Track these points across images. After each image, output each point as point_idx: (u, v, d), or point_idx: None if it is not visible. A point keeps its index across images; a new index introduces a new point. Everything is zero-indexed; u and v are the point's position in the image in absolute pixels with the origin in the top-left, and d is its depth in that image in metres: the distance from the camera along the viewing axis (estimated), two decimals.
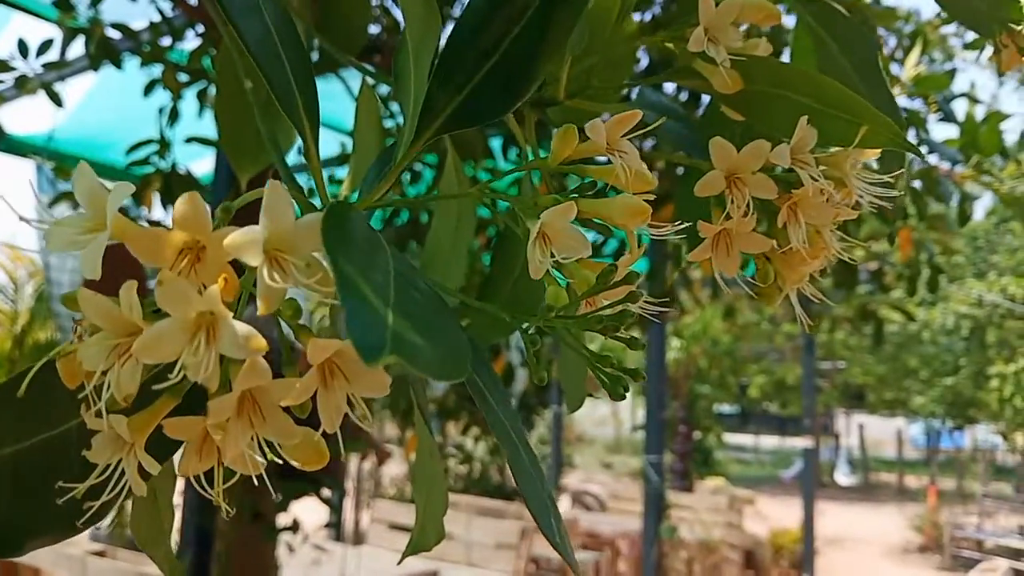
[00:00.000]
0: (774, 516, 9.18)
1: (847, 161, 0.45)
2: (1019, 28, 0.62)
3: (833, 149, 0.47)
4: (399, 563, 0.56)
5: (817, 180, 0.44)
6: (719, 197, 0.45)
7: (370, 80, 0.82)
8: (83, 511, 0.37)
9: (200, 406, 0.34)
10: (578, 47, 0.56)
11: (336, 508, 5.50)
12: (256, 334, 0.31)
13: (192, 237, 0.32)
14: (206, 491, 0.35)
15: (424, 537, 0.54)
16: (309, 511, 2.52)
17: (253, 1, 0.43)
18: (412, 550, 0.55)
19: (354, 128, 0.80)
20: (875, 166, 0.48)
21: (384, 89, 1.77)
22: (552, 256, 0.40)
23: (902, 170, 0.56)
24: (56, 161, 3.20)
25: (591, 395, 0.67)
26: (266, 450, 0.34)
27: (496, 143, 1.94)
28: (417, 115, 0.44)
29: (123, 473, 0.34)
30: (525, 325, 0.42)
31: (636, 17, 0.62)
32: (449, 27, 0.43)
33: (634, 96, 0.65)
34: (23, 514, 0.38)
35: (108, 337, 0.32)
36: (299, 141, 0.45)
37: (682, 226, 0.43)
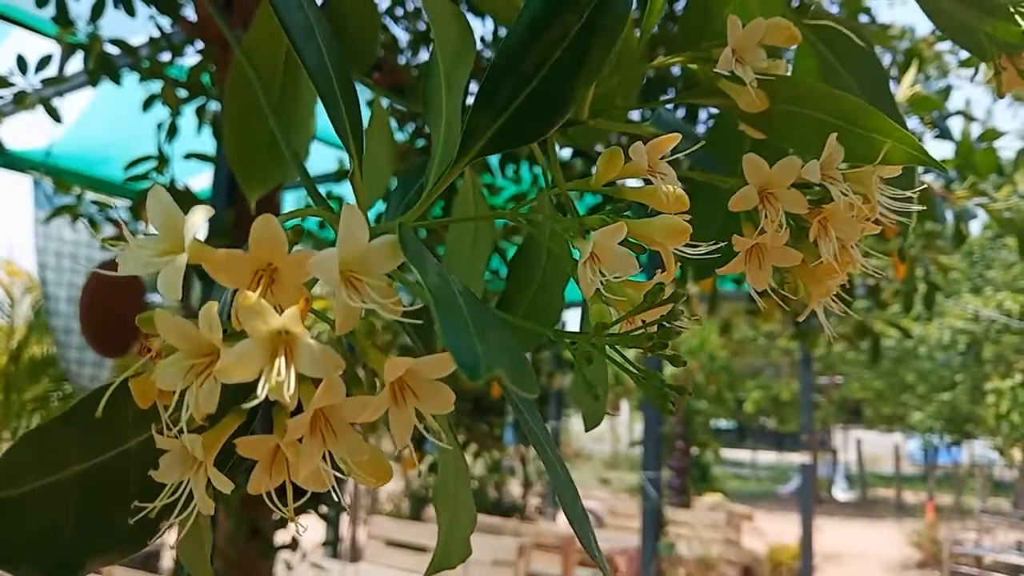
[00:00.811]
0: (772, 532, 9.15)
1: (871, 177, 0.47)
2: (1018, 51, 0.62)
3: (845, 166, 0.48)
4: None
5: (847, 195, 0.45)
6: (750, 212, 0.46)
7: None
8: (142, 530, 0.37)
9: (248, 425, 0.36)
10: (605, 70, 0.56)
11: (333, 525, 5.47)
12: (333, 353, 0.32)
13: (267, 259, 0.33)
14: (278, 508, 0.35)
15: (446, 555, 0.54)
16: (306, 528, 2.50)
17: (309, 25, 0.45)
18: (435, 569, 0.54)
19: (366, 145, 0.80)
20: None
21: (383, 103, 1.77)
22: (602, 275, 0.41)
23: (924, 186, 0.56)
24: (54, 176, 3.20)
25: (608, 413, 0.67)
26: (339, 465, 0.34)
27: (494, 159, 1.94)
28: (451, 137, 0.45)
29: (189, 492, 0.35)
30: (573, 343, 0.42)
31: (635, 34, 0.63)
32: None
33: (633, 116, 0.66)
34: (87, 534, 0.38)
35: (184, 357, 0.33)
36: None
37: (717, 245, 0.44)
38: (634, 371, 0.42)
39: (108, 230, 2.59)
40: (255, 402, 0.32)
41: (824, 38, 0.67)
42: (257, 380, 0.31)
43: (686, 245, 0.44)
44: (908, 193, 0.47)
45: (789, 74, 0.55)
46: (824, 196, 0.46)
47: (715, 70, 0.52)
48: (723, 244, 0.45)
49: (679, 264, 0.45)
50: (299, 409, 0.33)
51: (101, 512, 0.38)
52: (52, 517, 0.37)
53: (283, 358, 0.31)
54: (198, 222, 0.34)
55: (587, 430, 0.66)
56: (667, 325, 0.41)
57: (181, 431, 0.34)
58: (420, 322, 0.34)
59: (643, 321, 0.42)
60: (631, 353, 0.43)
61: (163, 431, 0.35)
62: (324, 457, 0.34)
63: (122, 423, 0.39)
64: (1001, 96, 0.65)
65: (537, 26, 0.44)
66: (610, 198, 0.46)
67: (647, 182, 0.46)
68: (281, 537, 2.23)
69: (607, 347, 0.41)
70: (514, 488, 7.16)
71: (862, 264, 0.47)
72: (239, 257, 0.33)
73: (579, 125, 0.60)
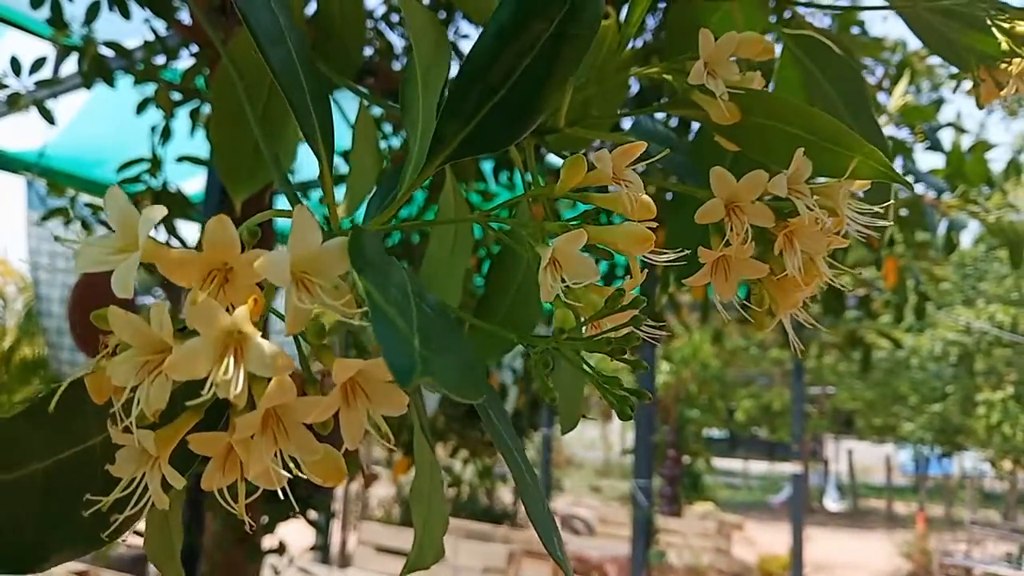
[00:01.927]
0: (763, 541, 9.15)
1: (839, 191, 0.47)
2: (996, 63, 0.63)
3: (822, 180, 0.49)
4: None
5: (812, 209, 0.45)
6: (717, 224, 0.46)
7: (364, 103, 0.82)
8: (105, 526, 0.38)
9: (217, 422, 0.36)
10: (580, 78, 0.57)
11: (323, 530, 5.45)
12: (283, 352, 0.32)
13: (220, 259, 0.34)
14: (229, 505, 0.36)
15: (422, 556, 0.54)
16: (295, 533, 2.50)
17: (279, 29, 0.45)
18: (409, 569, 0.55)
19: (352, 150, 0.80)
20: (861, 196, 0.49)
21: (376, 111, 1.78)
22: (562, 281, 0.41)
23: (890, 202, 0.57)
24: (47, 178, 3.20)
25: (584, 416, 0.68)
26: (290, 465, 0.35)
27: (487, 166, 1.95)
28: (426, 143, 0.46)
29: (145, 488, 0.35)
30: (535, 347, 0.43)
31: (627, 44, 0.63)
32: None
33: (625, 124, 0.66)
34: (49, 528, 0.38)
35: (137, 354, 0.33)
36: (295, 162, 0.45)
37: (683, 253, 0.44)
38: (592, 375, 0.42)
39: (101, 232, 2.58)
40: (201, 400, 0.32)
41: (806, 49, 0.68)
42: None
43: (657, 253, 0.44)
44: (876, 208, 0.48)
45: (762, 88, 0.55)
46: (794, 209, 0.46)
47: (688, 82, 0.52)
48: (700, 245, 0.46)
49: (664, 271, 0.45)
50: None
51: (64, 508, 0.38)
52: (14, 513, 0.38)
53: (232, 357, 0.32)
54: (152, 220, 0.34)
55: (563, 433, 0.67)
56: (631, 331, 0.41)
57: (134, 427, 0.34)
58: (365, 324, 0.34)
59: (608, 327, 0.42)
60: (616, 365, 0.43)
61: (128, 429, 0.35)
62: (276, 456, 0.34)
63: (84, 420, 0.39)
64: (981, 107, 0.66)
65: (506, 33, 0.44)
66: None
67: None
68: (269, 542, 2.22)
69: (573, 352, 0.42)
70: (505, 495, 7.15)
71: (828, 278, 0.48)
72: (191, 257, 0.34)
73: (556, 133, 0.60)
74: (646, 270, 0.45)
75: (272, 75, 0.43)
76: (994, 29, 0.60)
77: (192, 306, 0.32)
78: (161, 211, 0.34)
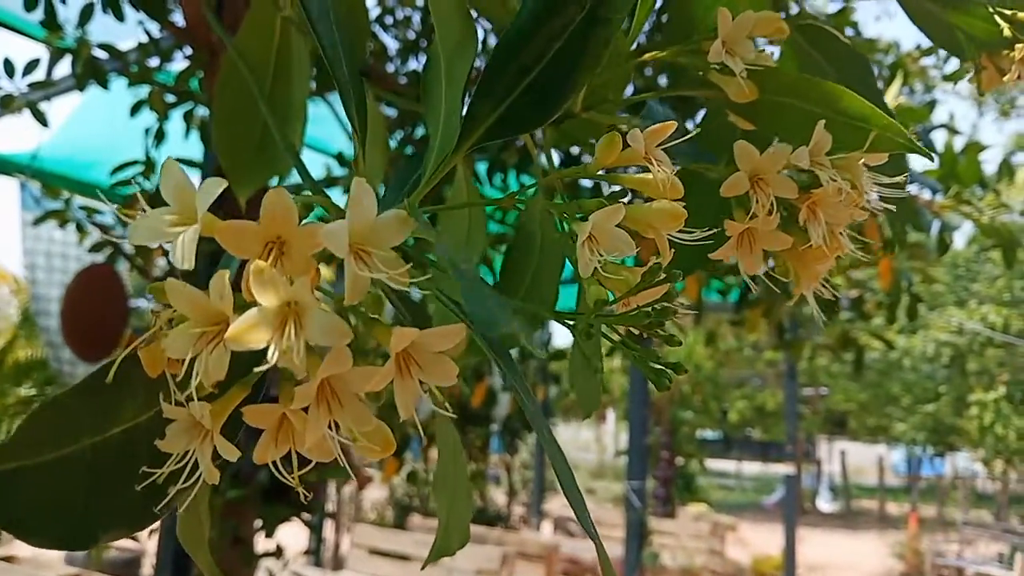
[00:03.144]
0: (756, 542, 9.16)
1: (857, 164, 0.48)
2: (997, 50, 0.63)
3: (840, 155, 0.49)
4: (422, 569, 0.56)
5: (836, 181, 0.46)
6: (740, 198, 0.47)
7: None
8: (151, 504, 0.38)
9: (253, 399, 0.37)
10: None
11: (316, 532, 5.44)
12: (341, 322, 0.32)
13: (278, 230, 0.34)
14: (283, 477, 0.36)
15: (447, 541, 0.54)
16: (288, 536, 2.49)
17: (325, 8, 0.46)
18: (435, 555, 0.54)
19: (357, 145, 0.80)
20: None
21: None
22: (599, 256, 0.42)
23: (912, 190, 0.58)
24: (40, 180, 3.19)
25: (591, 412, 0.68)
26: (346, 435, 0.35)
27: (481, 167, 1.95)
28: (450, 127, 0.46)
29: (194, 464, 0.36)
30: (571, 323, 0.43)
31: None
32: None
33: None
34: (97, 506, 0.39)
35: (194, 326, 0.34)
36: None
37: (711, 231, 0.45)
38: (631, 349, 0.43)
39: (96, 234, 2.58)
40: (265, 367, 0.32)
41: (809, 37, 0.68)
42: (263, 351, 0.32)
43: (679, 232, 0.45)
44: (896, 179, 0.49)
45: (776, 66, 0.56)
46: (811, 183, 0.47)
47: (709, 60, 0.53)
48: (715, 232, 0.46)
49: (671, 272, 0.45)
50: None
51: (111, 486, 0.39)
52: (64, 489, 0.38)
53: (292, 327, 0.32)
54: (211, 194, 0.34)
55: (584, 417, 0.67)
56: (663, 306, 0.42)
57: (189, 400, 0.34)
58: (426, 292, 0.35)
59: (637, 305, 0.43)
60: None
61: (171, 401, 0.36)
62: (329, 427, 0.35)
63: (132, 397, 0.39)
64: (982, 94, 0.66)
65: (540, 16, 0.45)
66: (595, 196, 0.47)
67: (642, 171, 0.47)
68: (263, 545, 2.21)
69: (604, 327, 0.42)
70: (498, 497, 7.15)
71: (850, 249, 0.48)
72: (250, 228, 0.34)
73: (572, 118, 0.62)
74: (673, 250, 0.46)
75: (321, 53, 0.44)
76: (996, 16, 0.61)
77: (255, 276, 0.32)
78: (221, 184, 0.35)
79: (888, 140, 0.49)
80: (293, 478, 0.36)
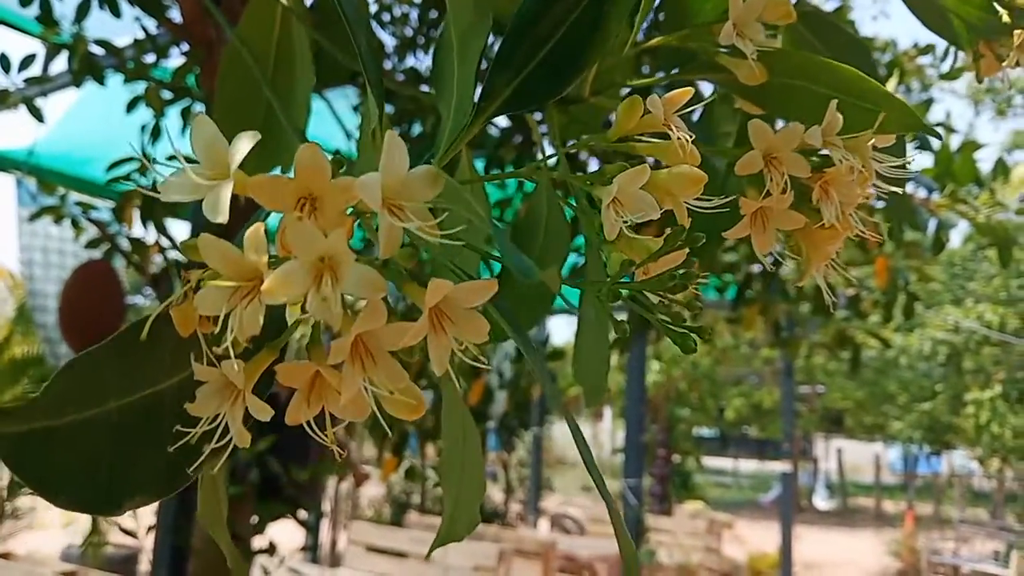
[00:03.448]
0: (753, 540, 9.17)
1: (866, 145, 0.48)
2: (996, 37, 0.62)
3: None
4: (427, 557, 0.55)
5: (847, 160, 0.47)
6: (753, 177, 0.48)
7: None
8: (174, 473, 0.38)
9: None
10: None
11: (313, 530, 5.44)
12: (377, 275, 0.32)
13: (310, 185, 0.34)
14: (317, 435, 0.36)
15: (455, 526, 0.54)
16: (285, 533, 2.49)
17: (362, 15, 0.46)
18: (442, 540, 0.54)
19: (359, 138, 0.80)
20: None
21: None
22: (623, 219, 0.43)
23: (909, 188, 0.58)
24: (36, 176, 3.18)
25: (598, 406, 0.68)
26: (381, 391, 0.35)
27: (479, 164, 1.95)
28: (463, 104, 0.47)
29: (223, 429, 0.36)
30: (594, 289, 0.44)
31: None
32: None
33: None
34: (123, 470, 0.38)
35: (227, 281, 0.33)
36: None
37: (728, 199, 0.45)
38: (655, 314, 0.43)
39: (92, 230, 2.57)
40: (305, 316, 0.32)
41: (811, 27, 0.68)
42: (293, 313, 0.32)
43: (696, 201, 0.45)
44: (902, 160, 0.49)
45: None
46: (822, 164, 0.48)
47: (720, 42, 0.54)
48: (729, 203, 0.46)
49: (693, 236, 0.45)
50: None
51: (137, 450, 0.38)
52: (90, 451, 0.37)
53: (329, 279, 0.32)
54: (244, 149, 0.34)
55: (588, 406, 0.66)
56: (686, 271, 0.42)
57: (220, 360, 0.34)
58: (458, 243, 0.35)
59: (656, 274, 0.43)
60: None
61: (202, 361, 0.36)
62: (363, 386, 0.34)
63: (159, 360, 0.39)
64: (980, 81, 0.66)
65: None
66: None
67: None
68: (258, 542, 2.21)
69: (637, 292, 0.43)
70: (495, 493, 7.15)
71: (860, 230, 0.49)
72: (284, 181, 0.34)
73: (580, 103, 0.62)
74: (690, 218, 0.46)
75: (357, 52, 0.44)
76: (994, 3, 0.60)
77: (291, 227, 0.32)
78: (255, 137, 0.35)
79: (898, 121, 0.49)
80: (328, 435, 0.36)
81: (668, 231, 0.43)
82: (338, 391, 0.34)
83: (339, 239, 0.32)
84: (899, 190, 0.49)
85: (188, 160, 0.36)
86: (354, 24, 0.44)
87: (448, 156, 0.47)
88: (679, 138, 0.45)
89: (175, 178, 0.35)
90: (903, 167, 0.49)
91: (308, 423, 0.36)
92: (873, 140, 0.48)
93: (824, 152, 0.48)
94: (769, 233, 0.48)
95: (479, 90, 0.46)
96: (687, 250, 0.43)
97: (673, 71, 0.64)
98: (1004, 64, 0.61)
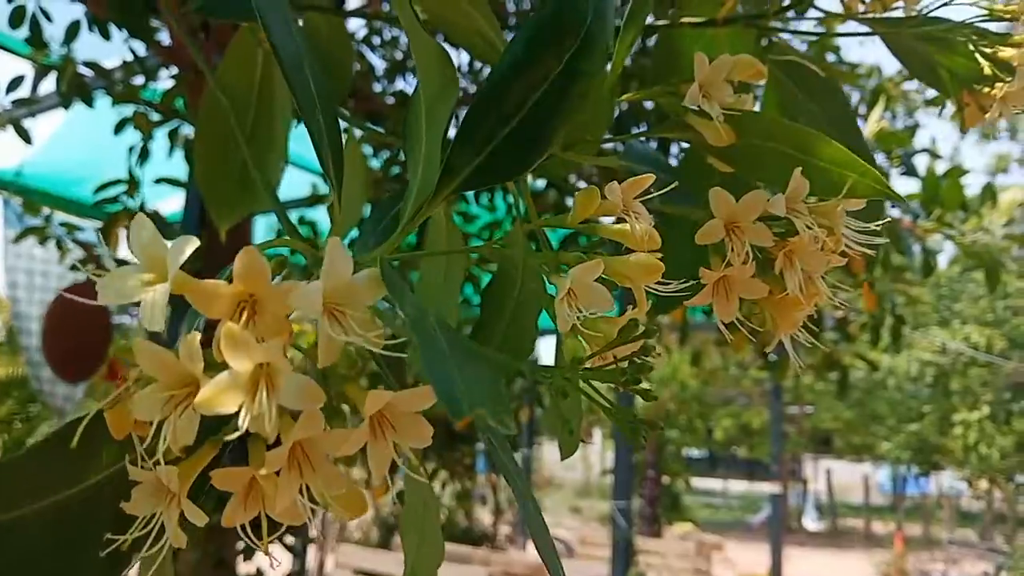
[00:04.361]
0: (743, 562, 9.14)
1: (835, 210, 0.48)
2: (979, 88, 0.63)
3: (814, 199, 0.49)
4: None
5: (811, 228, 0.46)
6: (717, 245, 0.47)
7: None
8: (114, 565, 0.37)
9: (220, 457, 0.36)
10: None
11: (299, 554, 5.39)
12: (315, 385, 0.32)
13: (249, 291, 0.33)
14: (251, 541, 0.35)
15: None
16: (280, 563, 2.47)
17: (300, 56, 0.45)
18: None
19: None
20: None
21: (357, 132, 1.78)
22: (578, 311, 0.42)
23: (888, 219, 0.57)
24: (24, 196, 3.17)
25: (582, 441, 0.68)
26: (316, 499, 0.34)
27: None
28: (430, 172, 0.46)
29: (161, 527, 0.35)
30: (548, 378, 0.43)
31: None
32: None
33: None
34: (61, 566, 0.37)
35: (163, 388, 0.33)
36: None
37: (687, 283, 0.45)
38: (607, 406, 0.42)
39: (77, 252, 2.56)
40: (236, 435, 0.32)
41: (791, 74, 0.68)
42: (234, 412, 0.31)
43: (656, 282, 0.45)
44: (873, 226, 0.48)
45: (756, 109, 0.56)
46: (789, 229, 0.47)
47: (685, 104, 0.53)
48: (692, 281, 0.46)
49: (650, 298, 0.45)
50: (275, 442, 0.33)
51: (74, 547, 0.38)
52: (27, 549, 0.37)
53: (264, 390, 0.31)
54: (183, 253, 0.33)
55: (563, 459, 0.66)
56: (639, 360, 0.42)
57: (156, 463, 0.33)
58: (400, 355, 0.34)
59: (615, 356, 0.43)
60: (604, 386, 0.43)
61: (137, 463, 0.35)
62: (300, 490, 0.34)
63: (97, 456, 0.38)
64: (964, 131, 0.67)
65: (519, 67, 0.45)
66: (577, 234, 0.47)
67: (620, 220, 0.46)
68: (245, 568, 2.19)
69: (581, 382, 0.42)
70: (483, 516, 7.11)
71: (828, 296, 0.48)
72: (222, 289, 0.33)
73: (551, 158, 0.61)
74: (648, 302, 0.46)
75: (295, 101, 0.43)
76: (977, 55, 0.61)
77: (227, 339, 0.31)
78: (193, 243, 0.34)
79: (866, 186, 0.48)
80: (263, 544, 0.35)
81: (624, 319, 0.43)
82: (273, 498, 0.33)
83: (275, 349, 0.31)
84: (871, 252, 0.49)
85: (121, 262, 0.35)
86: (290, 72, 0.43)
87: (410, 229, 0.46)
88: (638, 226, 0.45)
89: (112, 279, 0.35)
90: (876, 232, 0.49)
91: (243, 527, 0.35)
92: (841, 205, 0.48)
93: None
94: (732, 302, 0.48)
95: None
96: (643, 341, 0.42)
97: (648, 125, 0.64)
98: (987, 116, 0.62)
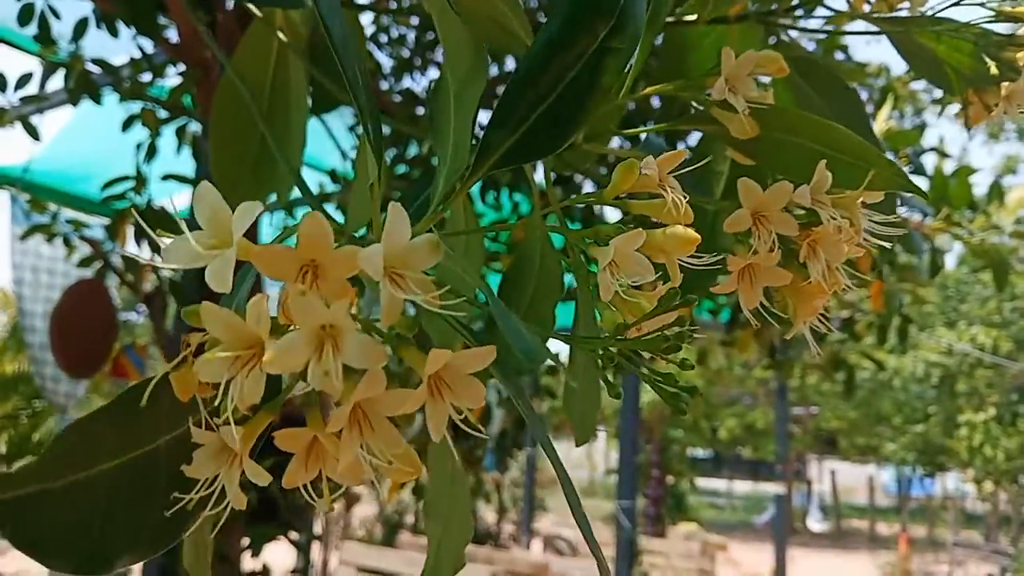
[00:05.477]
0: (747, 562, 9.14)
1: (855, 202, 0.49)
2: (984, 87, 0.64)
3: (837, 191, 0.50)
4: None
5: (835, 219, 0.47)
6: (743, 234, 0.48)
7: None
8: (167, 530, 0.39)
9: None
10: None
11: (304, 551, 5.40)
12: (378, 345, 0.33)
13: (313, 254, 0.34)
14: (312, 498, 0.36)
15: (438, 569, 0.54)
16: (276, 554, 2.48)
17: (346, 37, 0.46)
18: None
19: (356, 167, 0.80)
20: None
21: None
22: (619, 280, 0.44)
23: (903, 212, 0.58)
24: (31, 193, 3.18)
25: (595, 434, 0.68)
26: (378, 457, 0.35)
27: (475, 187, 1.95)
28: (460, 153, 0.48)
29: (221, 489, 0.36)
30: (588, 348, 0.44)
31: None
32: None
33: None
34: (115, 530, 0.39)
35: (228, 350, 0.34)
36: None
37: (718, 257, 0.46)
38: (648, 374, 0.43)
39: (84, 249, 2.57)
40: (307, 390, 0.33)
41: (801, 71, 0.69)
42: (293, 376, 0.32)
43: (688, 257, 0.46)
44: (892, 218, 0.50)
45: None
46: (810, 220, 0.48)
47: (712, 97, 0.54)
48: (720, 259, 0.47)
49: (687, 297, 0.46)
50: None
51: (130, 509, 0.39)
52: (83, 512, 0.38)
53: (330, 349, 0.32)
54: (247, 218, 0.35)
55: (578, 445, 0.66)
56: (680, 330, 0.43)
57: (219, 425, 0.35)
58: (461, 315, 0.36)
59: (648, 331, 0.44)
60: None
61: (200, 424, 0.36)
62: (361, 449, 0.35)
63: (154, 420, 0.40)
64: (969, 128, 0.67)
65: (555, 45, 0.46)
66: (588, 222, 0.48)
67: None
68: (251, 564, 2.20)
69: (630, 351, 0.43)
70: (487, 515, 7.12)
71: (848, 284, 0.49)
72: (287, 252, 0.34)
73: (573, 148, 0.63)
74: (680, 274, 0.47)
75: (343, 74, 0.44)
76: (983, 55, 0.62)
77: (295, 299, 0.32)
78: (257, 207, 0.35)
79: (885, 178, 0.50)
80: (325, 501, 0.36)
81: (662, 290, 0.44)
82: (336, 457, 0.34)
83: (340, 310, 0.32)
84: (888, 245, 0.50)
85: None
86: (341, 50, 0.44)
87: (445, 209, 0.47)
88: (673, 199, 0.46)
89: (176, 245, 0.36)
90: (892, 224, 0.50)
91: (305, 487, 0.36)
92: (862, 198, 0.49)
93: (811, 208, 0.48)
94: (756, 289, 0.49)
95: (477, 144, 0.47)
96: (683, 309, 0.43)
97: (663, 117, 0.65)
98: (992, 114, 0.63)
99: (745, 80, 0.55)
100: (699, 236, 0.45)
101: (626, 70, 0.61)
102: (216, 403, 0.34)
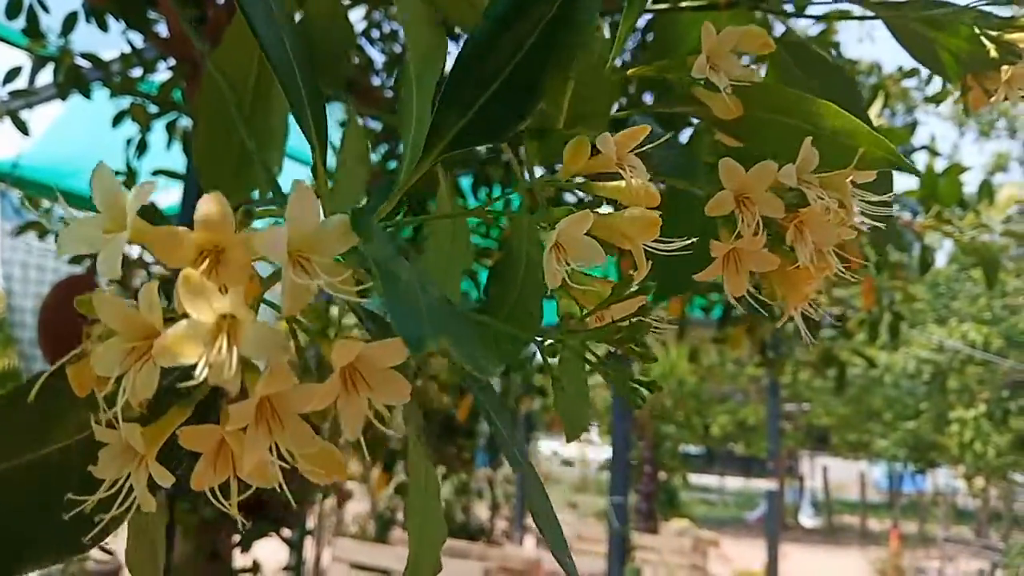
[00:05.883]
0: (738, 558, 9.15)
1: (846, 181, 0.46)
2: (984, 71, 0.63)
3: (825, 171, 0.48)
4: None
5: (822, 199, 0.45)
6: (726, 217, 0.46)
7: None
8: (85, 531, 0.35)
9: (204, 420, 0.34)
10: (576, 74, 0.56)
11: (296, 547, 5.39)
12: (279, 334, 0.30)
13: (212, 239, 0.32)
14: (221, 504, 0.34)
15: (418, 569, 0.53)
16: (268, 550, 2.47)
17: (277, 31, 0.43)
18: None
19: (340, 156, 0.80)
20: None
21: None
22: (567, 266, 0.41)
23: (893, 193, 0.57)
24: (21, 188, 3.16)
25: (586, 430, 0.67)
26: (287, 459, 0.33)
27: (466, 183, 1.95)
28: (420, 137, 0.45)
29: (130, 489, 0.33)
30: (542, 340, 0.42)
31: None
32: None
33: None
34: (26, 532, 0.36)
35: (123, 341, 0.31)
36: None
37: (689, 241, 0.43)
38: (600, 365, 0.41)
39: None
40: (191, 384, 0.30)
41: (793, 54, 0.67)
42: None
43: (660, 242, 0.43)
44: (883, 197, 0.47)
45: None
46: (798, 202, 0.46)
47: (692, 75, 0.52)
48: (697, 245, 0.44)
49: (645, 284, 0.44)
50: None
51: (41, 510, 0.37)
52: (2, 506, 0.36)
53: (225, 339, 0.30)
54: (141, 199, 0.32)
55: (568, 441, 0.66)
56: (640, 321, 0.41)
57: (119, 421, 0.32)
58: (367, 301, 0.33)
59: (611, 320, 0.41)
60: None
61: (103, 422, 0.33)
62: (271, 450, 0.32)
63: (63, 419, 0.37)
64: (968, 115, 0.66)
65: (507, 18, 0.43)
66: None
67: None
68: (243, 560, 2.19)
69: (580, 343, 0.41)
70: (481, 511, 7.12)
71: (838, 269, 0.47)
72: (183, 235, 0.32)
73: (556, 133, 0.60)
74: (650, 262, 0.44)
75: (272, 69, 0.42)
76: (982, 38, 0.60)
77: (184, 284, 0.30)
78: (151, 188, 0.33)
79: (875, 157, 0.47)
80: (231, 506, 0.33)
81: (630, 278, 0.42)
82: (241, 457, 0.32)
83: (236, 296, 0.30)
84: (882, 225, 0.47)
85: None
86: (263, 37, 0.41)
87: (402, 191, 0.45)
88: (632, 179, 0.43)
89: (70, 230, 0.34)
90: (886, 203, 0.47)
91: (213, 490, 0.33)
92: (852, 176, 0.46)
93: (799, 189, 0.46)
94: (742, 275, 0.46)
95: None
96: (641, 298, 0.41)
97: (654, 101, 0.63)
98: (992, 99, 0.61)
99: (728, 57, 0.52)
100: (659, 219, 0.42)
101: (609, 50, 0.59)
102: (111, 400, 0.32)
